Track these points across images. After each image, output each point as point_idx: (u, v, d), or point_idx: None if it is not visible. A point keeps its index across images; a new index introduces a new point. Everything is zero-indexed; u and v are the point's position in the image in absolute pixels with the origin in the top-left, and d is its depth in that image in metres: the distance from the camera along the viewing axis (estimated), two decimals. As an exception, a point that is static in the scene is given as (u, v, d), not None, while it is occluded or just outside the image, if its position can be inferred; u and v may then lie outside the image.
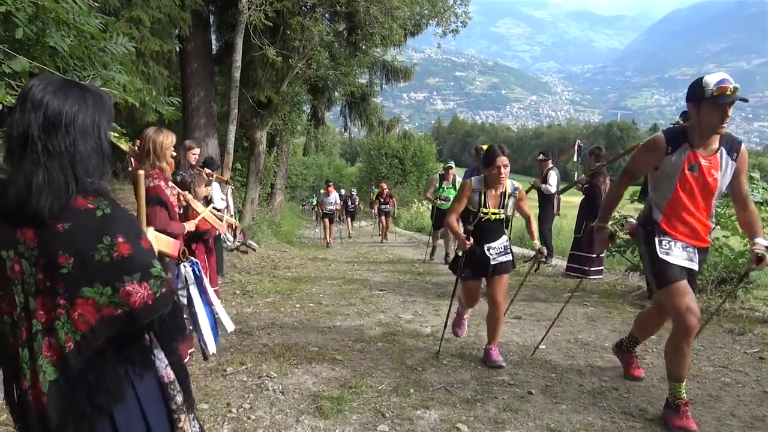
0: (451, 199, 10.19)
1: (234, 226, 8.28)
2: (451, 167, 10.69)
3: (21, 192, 1.37)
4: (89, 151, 1.47)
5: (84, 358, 1.40)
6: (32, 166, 1.39)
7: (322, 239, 16.98)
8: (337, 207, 17.08)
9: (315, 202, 34.03)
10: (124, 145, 4.02)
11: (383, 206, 17.60)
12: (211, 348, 3.07)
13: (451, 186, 10.43)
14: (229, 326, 3.33)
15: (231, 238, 5.43)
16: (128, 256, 1.41)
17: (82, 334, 1.39)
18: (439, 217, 10.35)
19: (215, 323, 2.98)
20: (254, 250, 11.07)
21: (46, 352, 1.41)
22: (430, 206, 11.29)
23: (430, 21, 15.12)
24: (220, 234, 5.32)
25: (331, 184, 18.01)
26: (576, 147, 9.62)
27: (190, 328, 2.59)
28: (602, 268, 8.21)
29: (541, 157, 9.96)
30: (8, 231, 1.42)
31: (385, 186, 18.62)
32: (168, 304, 1.47)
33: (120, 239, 1.40)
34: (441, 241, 11.08)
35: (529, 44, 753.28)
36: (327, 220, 16.38)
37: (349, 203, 20.54)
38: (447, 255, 10.32)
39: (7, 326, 1.48)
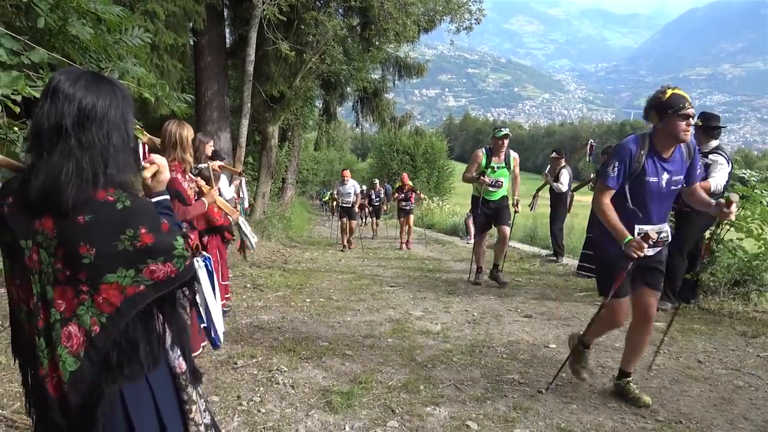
0: (504, 184, 7.51)
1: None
2: (506, 135, 7.38)
3: (47, 183, 1.39)
4: (120, 144, 1.51)
5: (110, 340, 1.43)
6: (62, 157, 1.40)
7: (338, 241, 13.81)
8: (357, 199, 13.17)
9: (327, 197, 33.90)
10: (144, 137, 4.05)
11: (404, 203, 13.65)
12: (221, 341, 3.09)
13: (503, 164, 7.42)
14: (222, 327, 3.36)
15: (252, 237, 5.44)
16: (152, 245, 1.44)
17: (108, 315, 1.42)
18: (487, 212, 7.62)
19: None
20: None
21: (65, 342, 1.42)
22: (473, 194, 7.92)
23: (444, 17, 15.07)
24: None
25: (346, 168, 14.04)
26: (588, 146, 9.58)
27: (203, 325, 2.61)
28: None
29: (554, 155, 9.93)
30: (27, 221, 1.44)
31: (406, 178, 14.40)
32: (190, 273, 1.54)
33: (143, 230, 1.43)
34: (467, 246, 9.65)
35: (542, 42, 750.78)
36: (346, 218, 12.94)
37: (373, 196, 17.08)
38: (496, 266, 7.64)
39: (23, 315, 1.50)
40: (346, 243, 12.79)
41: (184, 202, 3.61)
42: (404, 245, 13.19)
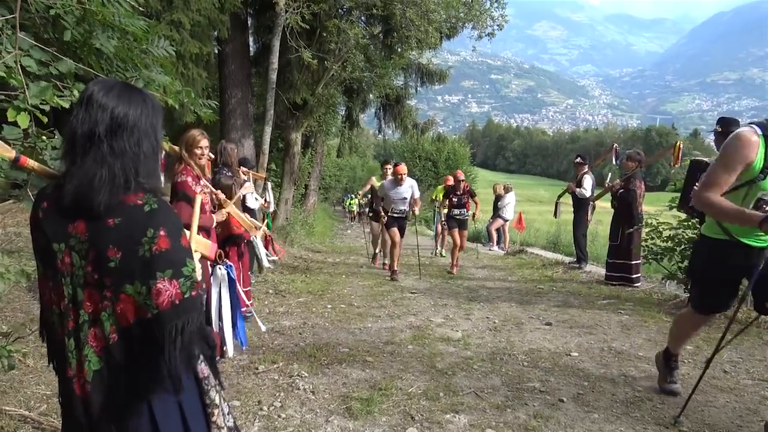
0: None
1: (266, 237, 6.76)
2: None
3: (81, 187, 1.44)
4: (149, 152, 1.56)
5: (126, 351, 1.46)
6: (94, 163, 1.46)
7: (378, 261, 10.63)
8: (416, 206, 9.20)
9: (350, 203, 33.87)
10: (165, 146, 4.13)
11: (458, 211, 9.97)
12: (230, 350, 3.12)
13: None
14: (262, 327, 3.38)
15: (265, 258, 5.43)
16: (165, 251, 1.46)
17: (125, 328, 1.45)
18: (745, 266, 3.30)
19: (243, 327, 3.03)
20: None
21: (92, 342, 1.47)
22: (709, 234, 3.47)
23: (466, 24, 15.08)
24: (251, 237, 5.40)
25: (400, 162, 9.48)
26: (613, 150, 9.49)
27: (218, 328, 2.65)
28: (639, 275, 8.07)
29: (578, 160, 9.85)
30: (61, 224, 1.50)
31: (461, 175, 10.50)
32: (195, 308, 1.50)
33: (162, 232, 1.46)
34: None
35: (566, 47, 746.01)
36: (395, 229, 9.05)
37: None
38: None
39: (55, 316, 1.55)
40: (396, 268, 9.05)
41: (191, 205, 3.66)
42: (453, 265, 9.89)
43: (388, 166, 9.67)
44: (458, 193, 9.96)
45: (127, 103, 1.52)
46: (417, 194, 9.11)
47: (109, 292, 1.45)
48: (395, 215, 9.07)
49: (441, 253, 9.78)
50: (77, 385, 1.49)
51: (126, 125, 1.50)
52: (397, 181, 8.92)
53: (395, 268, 9.03)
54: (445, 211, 10.93)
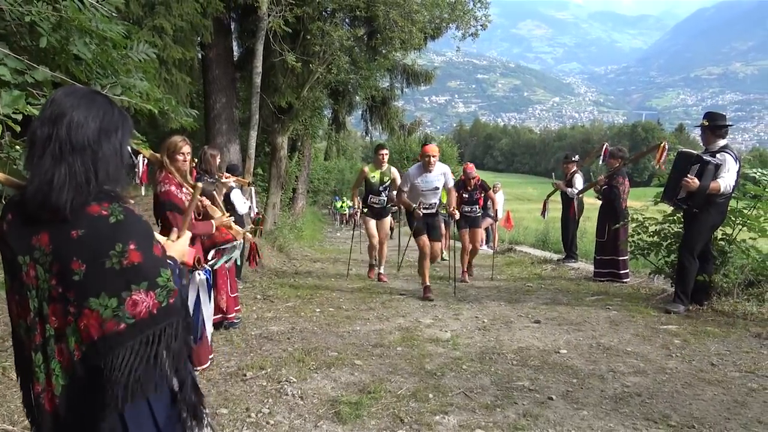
0: None
1: (251, 246, 6.17)
2: None
3: (41, 187, 1.41)
4: (110, 152, 1.52)
5: (90, 368, 1.42)
6: (52, 160, 1.43)
7: (368, 273, 9.30)
8: (452, 199, 7.44)
9: (340, 206, 33.83)
10: (146, 152, 4.09)
11: (468, 208, 8.80)
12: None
13: None
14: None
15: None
16: (138, 265, 1.42)
17: (87, 345, 1.41)
18: None
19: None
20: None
21: (59, 356, 1.44)
22: None
23: (450, 24, 15.10)
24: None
25: (429, 141, 8.68)
26: (603, 151, 9.51)
27: (198, 337, 2.62)
28: (628, 271, 8.10)
29: (570, 161, 9.91)
30: (25, 236, 1.46)
31: (473, 169, 9.14)
32: (172, 315, 1.47)
33: (132, 246, 1.42)
34: None
35: (551, 45, 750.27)
36: (424, 237, 7.14)
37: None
38: None
39: (22, 330, 1.52)
40: (428, 283, 7.24)
41: (181, 213, 3.62)
42: (464, 272, 8.85)
43: (383, 151, 8.39)
44: (469, 188, 8.82)
45: (90, 103, 1.50)
46: (451, 183, 7.27)
47: (72, 307, 1.41)
48: (423, 212, 7.07)
49: (443, 257, 8.67)
50: (47, 400, 1.46)
51: (87, 125, 1.47)
52: (426, 166, 6.93)
53: (427, 283, 7.24)
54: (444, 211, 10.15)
